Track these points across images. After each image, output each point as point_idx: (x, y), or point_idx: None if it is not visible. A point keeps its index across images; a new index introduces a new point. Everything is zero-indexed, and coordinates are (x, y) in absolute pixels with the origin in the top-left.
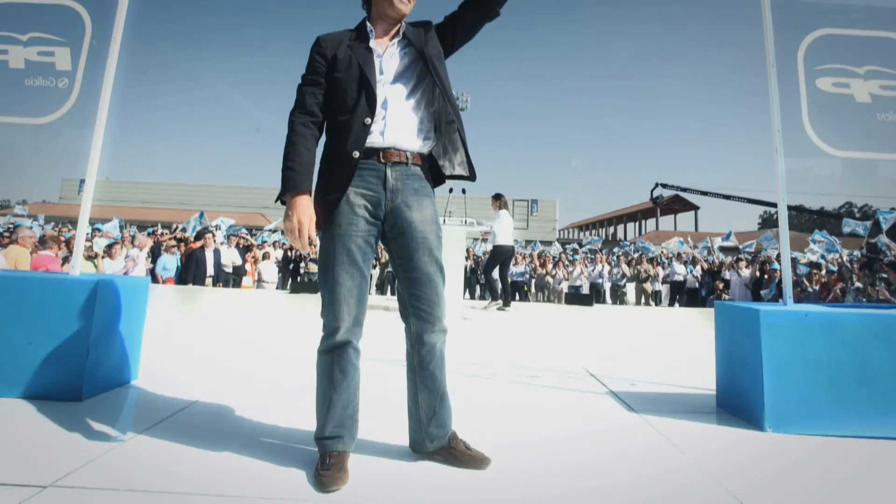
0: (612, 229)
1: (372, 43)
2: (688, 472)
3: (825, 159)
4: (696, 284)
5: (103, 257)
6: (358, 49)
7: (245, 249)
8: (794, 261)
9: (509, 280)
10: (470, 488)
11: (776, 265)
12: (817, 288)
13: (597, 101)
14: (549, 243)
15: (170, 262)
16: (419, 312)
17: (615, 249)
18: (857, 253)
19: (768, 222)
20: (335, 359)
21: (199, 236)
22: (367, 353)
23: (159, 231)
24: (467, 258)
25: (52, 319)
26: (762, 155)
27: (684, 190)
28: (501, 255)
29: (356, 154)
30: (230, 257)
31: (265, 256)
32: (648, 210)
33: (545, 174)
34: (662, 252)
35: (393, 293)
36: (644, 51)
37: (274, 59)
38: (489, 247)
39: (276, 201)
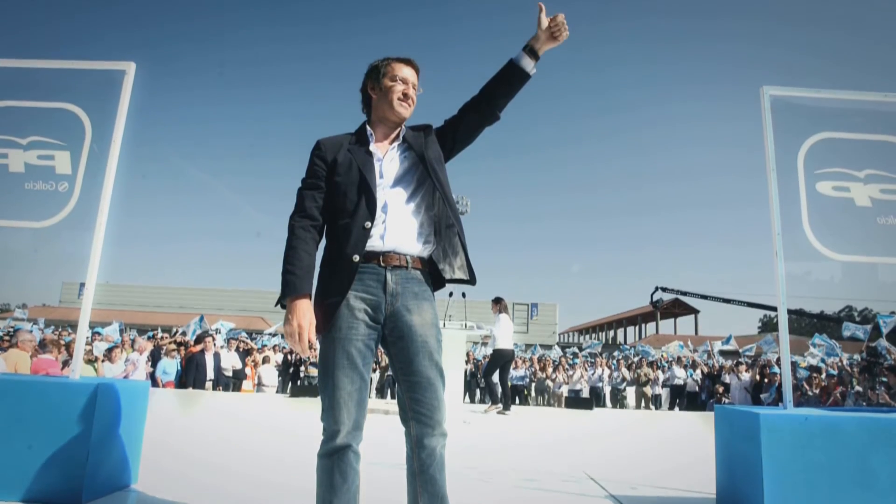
0: (612, 333)
1: (372, 146)
2: None
3: (825, 263)
4: (696, 388)
5: (103, 361)
6: (358, 152)
7: (245, 353)
8: (794, 364)
9: (509, 384)
10: None
11: (776, 369)
12: (817, 391)
13: (597, 203)
14: (550, 347)
15: (170, 366)
16: (419, 416)
17: (615, 353)
18: (857, 357)
19: (768, 326)
20: (335, 463)
21: (199, 340)
22: (367, 457)
23: (159, 335)
24: (467, 362)
25: (52, 423)
26: (762, 258)
27: (684, 294)
28: (502, 359)
29: (356, 258)
30: (230, 361)
31: (265, 360)
32: (648, 314)
33: (545, 278)
34: (662, 356)
35: (393, 396)
36: (643, 150)
37: (274, 162)
38: (489, 350)
39: (276, 305)
